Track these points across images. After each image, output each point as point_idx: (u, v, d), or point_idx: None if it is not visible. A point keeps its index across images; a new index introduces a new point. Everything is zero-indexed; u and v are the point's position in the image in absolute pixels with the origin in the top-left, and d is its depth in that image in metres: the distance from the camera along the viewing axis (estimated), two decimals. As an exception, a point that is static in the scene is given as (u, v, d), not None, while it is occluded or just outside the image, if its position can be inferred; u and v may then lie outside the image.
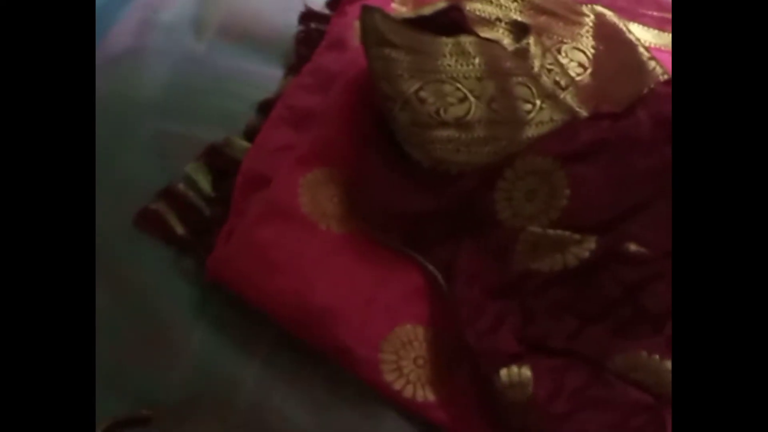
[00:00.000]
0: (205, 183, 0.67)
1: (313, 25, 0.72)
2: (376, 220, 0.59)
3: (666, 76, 0.61)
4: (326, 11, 0.77)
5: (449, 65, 0.57)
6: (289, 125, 0.63)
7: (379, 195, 0.58)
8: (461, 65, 0.58)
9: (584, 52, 0.65)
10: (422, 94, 0.56)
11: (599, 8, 0.67)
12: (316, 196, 0.61)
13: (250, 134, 0.70)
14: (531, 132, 0.58)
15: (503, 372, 0.52)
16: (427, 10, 0.59)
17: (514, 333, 0.54)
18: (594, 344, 0.53)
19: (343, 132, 0.61)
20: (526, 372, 0.52)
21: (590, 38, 0.65)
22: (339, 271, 0.59)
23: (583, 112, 0.60)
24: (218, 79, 0.76)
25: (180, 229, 0.63)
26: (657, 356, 0.52)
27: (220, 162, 0.68)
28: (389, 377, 0.56)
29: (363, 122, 0.60)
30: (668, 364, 0.52)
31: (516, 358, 0.53)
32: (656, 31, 0.71)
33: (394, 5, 0.67)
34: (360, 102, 0.60)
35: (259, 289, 0.58)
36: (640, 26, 0.71)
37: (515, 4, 0.65)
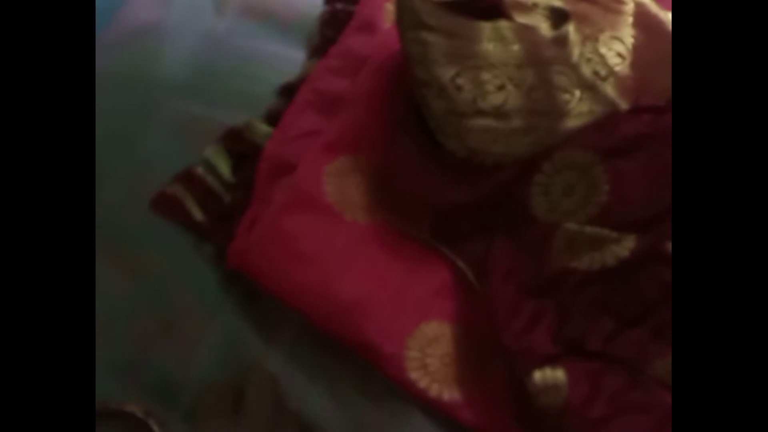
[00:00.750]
0: (224, 167, 0.65)
1: (339, 6, 0.70)
2: (406, 211, 0.57)
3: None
4: (353, -9, 0.74)
5: (488, 51, 0.55)
6: (315, 109, 0.61)
7: (410, 185, 0.56)
8: (500, 51, 0.55)
9: (624, 42, 0.62)
10: (459, 81, 0.53)
11: (639, -4, 0.65)
12: (342, 185, 0.58)
13: (271, 118, 0.67)
14: (570, 123, 0.55)
15: (537, 374, 0.50)
16: (465, -7, 0.57)
17: (549, 334, 0.52)
18: (632, 348, 0.51)
19: (373, 118, 0.58)
20: (561, 375, 0.50)
21: (630, 28, 0.63)
22: (365, 264, 0.57)
23: (623, 105, 0.57)
24: (239, 61, 0.73)
25: (199, 215, 0.61)
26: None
27: (240, 146, 0.65)
28: (414, 375, 0.54)
29: (394, 108, 0.58)
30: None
31: (551, 360, 0.51)
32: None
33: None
34: (392, 87, 0.58)
35: (283, 281, 0.56)
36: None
37: (555, -11, 0.63)
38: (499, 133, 0.54)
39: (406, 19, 0.54)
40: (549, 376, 0.50)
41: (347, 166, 0.59)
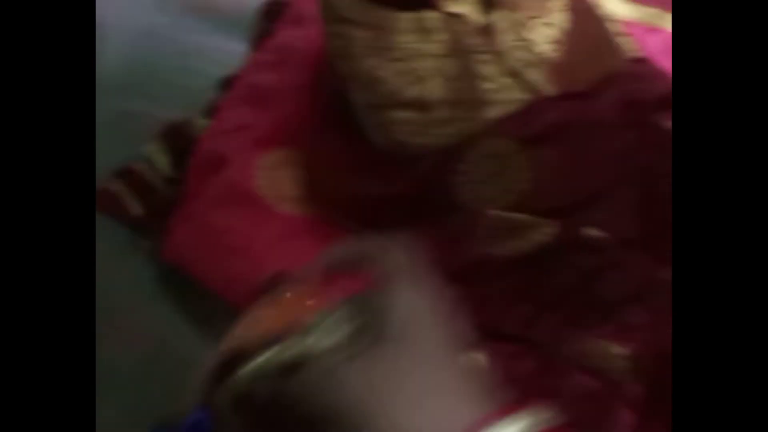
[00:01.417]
0: (163, 163, 0.66)
1: (280, -1, 0.70)
2: (334, 202, 0.58)
3: (635, 54, 0.59)
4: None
5: (408, 42, 0.55)
6: (247, 104, 0.62)
7: (337, 178, 0.57)
8: (421, 42, 0.56)
9: (554, 28, 0.63)
10: (380, 73, 0.54)
11: (571, -19, 0.65)
12: (273, 178, 0.59)
13: (211, 112, 0.68)
14: (493, 112, 0.56)
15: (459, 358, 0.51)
16: (390, -17, 0.57)
17: (470, 319, 0.53)
18: (549, 331, 0.52)
19: (302, 112, 0.59)
20: (481, 358, 0.52)
21: (561, 13, 0.63)
22: (295, 254, 0.58)
23: (550, 91, 0.58)
24: (181, 56, 0.74)
25: (137, 209, 0.62)
26: (608, 344, 0.51)
27: (179, 142, 0.66)
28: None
29: (322, 102, 0.59)
30: (618, 349, 0.51)
31: (472, 344, 0.52)
32: (632, 5, 0.68)
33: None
34: (319, 81, 0.59)
35: (214, 273, 0.58)
36: (617, 0, 0.68)
37: (484, -23, 0.63)
38: (420, 125, 0.55)
39: (327, 13, 0.54)
40: (469, 358, 0.52)
41: (279, 160, 0.60)
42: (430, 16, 0.57)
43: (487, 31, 0.58)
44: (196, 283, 0.59)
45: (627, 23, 0.65)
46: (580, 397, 0.51)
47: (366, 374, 0.29)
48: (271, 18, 0.67)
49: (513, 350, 0.52)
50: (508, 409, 0.30)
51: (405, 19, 0.56)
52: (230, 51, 0.73)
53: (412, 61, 0.55)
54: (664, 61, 0.62)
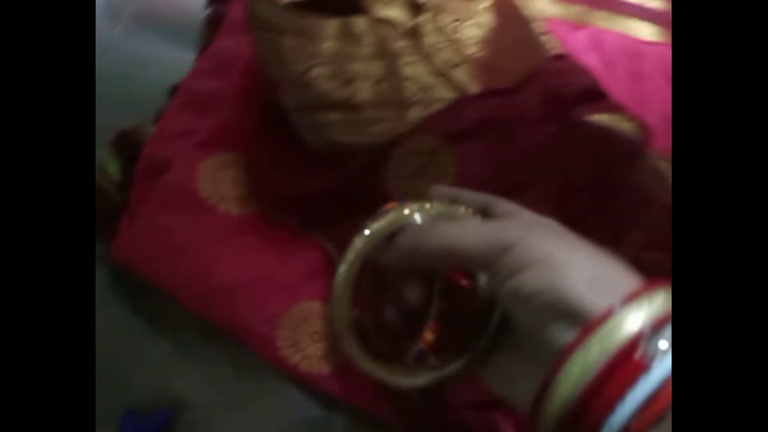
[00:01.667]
0: (114, 170, 0.68)
1: (220, 8, 0.73)
2: (273, 201, 0.61)
3: (557, 51, 0.62)
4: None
5: (336, 47, 0.58)
6: (189, 110, 0.64)
7: (274, 177, 0.60)
8: (348, 47, 0.58)
9: (481, 28, 0.66)
10: (306, 77, 0.57)
11: (499, -18, 0.67)
12: (215, 181, 0.62)
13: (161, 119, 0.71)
14: (419, 112, 0.58)
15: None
16: (320, -9, 0.60)
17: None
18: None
19: (240, 116, 0.62)
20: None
21: (486, 14, 0.66)
22: (238, 252, 0.61)
23: (474, 90, 0.61)
24: (132, 66, 0.76)
25: (89, 216, 0.65)
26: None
27: (129, 148, 0.69)
28: (285, 352, 0.59)
29: (258, 106, 0.61)
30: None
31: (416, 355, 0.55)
32: (558, 4, 0.71)
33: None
34: (255, 86, 0.61)
35: (161, 273, 0.60)
36: (546, -1, 0.71)
37: (413, -18, 0.65)
38: (349, 125, 0.57)
39: (255, 21, 0.57)
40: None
41: (220, 163, 0.62)
42: (357, 22, 0.60)
43: (413, 33, 0.61)
44: (147, 284, 0.62)
45: (552, 21, 0.69)
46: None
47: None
48: (213, 27, 0.70)
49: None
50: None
51: (332, 25, 0.59)
52: (181, 60, 0.75)
53: (340, 64, 0.58)
54: (587, 57, 0.66)
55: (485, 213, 0.39)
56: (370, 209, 0.62)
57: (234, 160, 0.62)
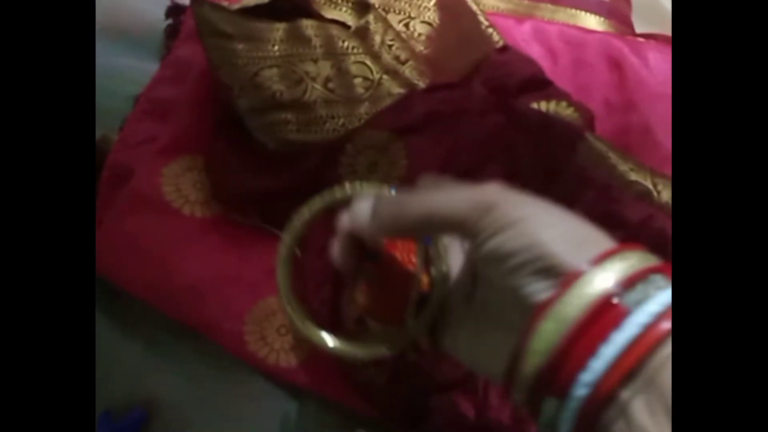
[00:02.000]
0: (81, 179, 0.71)
1: (181, 18, 0.75)
2: (233, 201, 0.63)
3: (501, 43, 0.64)
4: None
5: (284, 50, 0.60)
6: (151, 117, 0.66)
7: (231, 177, 0.62)
8: (296, 48, 0.61)
9: (430, 25, 0.68)
10: (257, 79, 0.59)
11: (446, -20, 0.70)
12: (178, 184, 0.64)
13: (125, 128, 0.73)
14: (368, 108, 0.61)
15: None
16: (266, -2, 0.62)
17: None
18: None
19: (198, 120, 0.64)
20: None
21: (433, 11, 0.68)
22: (203, 253, 0.63)
23: (422, 85, 0.63)
24: (97, 78, 0.79)
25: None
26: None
27: (96, 158, 0.71)
28: (253, 347, 0.61)
29: (215, 110, 0.63)
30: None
31: (357, 321, 0.57)
32: (505, -2, 0.73)
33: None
34: (211, 91, 0.63)
35: (129, 277, 0.62)
36: (491, -6, 0.74)
37: (360, -17, 0.68)
38: (301, 124, 0.60)
39: (203, 29, 0.59)
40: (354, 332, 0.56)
41: (183, 167, 0.64)
42: (305, 24, 0.62)
43: (362, 33, 0.63)
44: (118, 288, 0.64)
45: (498, 15, 0.71)
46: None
47: None
48: (173, 37, 0.72)
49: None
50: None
51: (280, 28, 0.61)
52: (143, 70, 0.77)
53: (289, 65, 0.60)
54: (531, 48, 0.68)
55: None
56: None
57: (195, 164, 0.64)
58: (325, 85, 0.60)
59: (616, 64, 0.70)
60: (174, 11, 0.76)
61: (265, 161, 0.61)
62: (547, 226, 0.31)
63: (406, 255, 0.40)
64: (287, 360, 0.61)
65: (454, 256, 0.41)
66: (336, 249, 0.42)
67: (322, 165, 0.61)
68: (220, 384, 0.63)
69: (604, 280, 0.29)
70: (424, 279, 0.39)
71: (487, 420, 0.55)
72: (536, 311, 0.30)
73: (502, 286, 0.32)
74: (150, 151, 0.65)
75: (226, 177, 0.61)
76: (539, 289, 0.30)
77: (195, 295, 0.61)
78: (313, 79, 0.60)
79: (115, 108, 0.79)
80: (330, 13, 0.66)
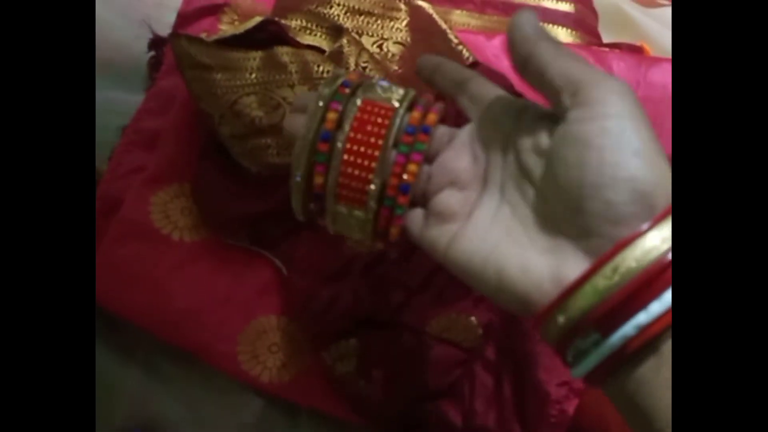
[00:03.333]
0: (74, 211, 0.72)
1: (163, 50, 0.77)
2: (221, 226, 0.65)
3: (471, 59, 0.67)
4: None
5: (261, 77, 0.62)
6: (138, 148, 0.68)
7: (218, 203, 0.64)
8: (273, 75, 0.63)
9: (402, 45, 0.71)
10: (237, 107, 0.61)
11: (416, 1, 0.72)
12: (167, 211, 0.66)
13: (115, 160, 0.75)
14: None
15: (333, 347, 0.58)
16: (241, 28, 0.64)
17: (344, 312, 0.59)
18: (416, 313, 0.59)
19: (184, 149, 0.66)
20: (354, 342, 0.58)
21: (405, 31, 0.70)
22: (194, 276, 0.65)
23: (397, 103, 0.65)
24: (85, 111, 0.81)
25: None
26: (465, 315, 0.58)
27: (87, 190, 0.73)
28: (247, 366, 0.62)
29: (200, 138, 0.66)
30: (475, 320, 0.58)
31: (345, 335, 0.59)
32: (477, 14, 0.76)
33: (221, 26, 0.71)
34: (194, 119, 0.65)
35: (123, 303, 0.64)
36: (464, 12, 0.76)
37: (333, 9, 0.70)
38: (281, 147, 0.62)
39: (183, 61, 0.61)
40: (342, 346, 0.58)
41: (171, 194, 0.66)
42: (281, 51, 0.64)
43: (336, 57, 0.66)
44: (114, 316, 0.65)
45: (468, 32, 0.73)
46: (449, 366, 0.57)
47: None
48: (156, 70, 0.74)
49: (386, 335, 0.59)
50: None
51: (257, 57, 0.64)
52: (129, 102, 0.79)
53: (267, 92, 0.63)
54: (501, 62, 0.70)
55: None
56: (313, 224, 0.66)
57: (183, 191, 0.66)
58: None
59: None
60: (156, 44, 0.78)
61: (250, 185, 0.64)
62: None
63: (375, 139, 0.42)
64: (280, 377, 0.62)
65: (455, 154, 0.44)
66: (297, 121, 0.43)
67: (304, 186, 0.63)
68: (217, 405, 0.64)
69: (667, 239, 0.30)
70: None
71: (473, 426, 0.56)
72: (621, 241, 0.29)
73: (582, 178, 0.31)
74: (138, 181, 0.67)
75: (213, 203, 0.64)
76: (630, 214, 0.30)
77: (188, 319, 0.63)
78: (291, 104, 0.62)
79: (104, 140, 0.82)
80: (305, 39, 0.68)
